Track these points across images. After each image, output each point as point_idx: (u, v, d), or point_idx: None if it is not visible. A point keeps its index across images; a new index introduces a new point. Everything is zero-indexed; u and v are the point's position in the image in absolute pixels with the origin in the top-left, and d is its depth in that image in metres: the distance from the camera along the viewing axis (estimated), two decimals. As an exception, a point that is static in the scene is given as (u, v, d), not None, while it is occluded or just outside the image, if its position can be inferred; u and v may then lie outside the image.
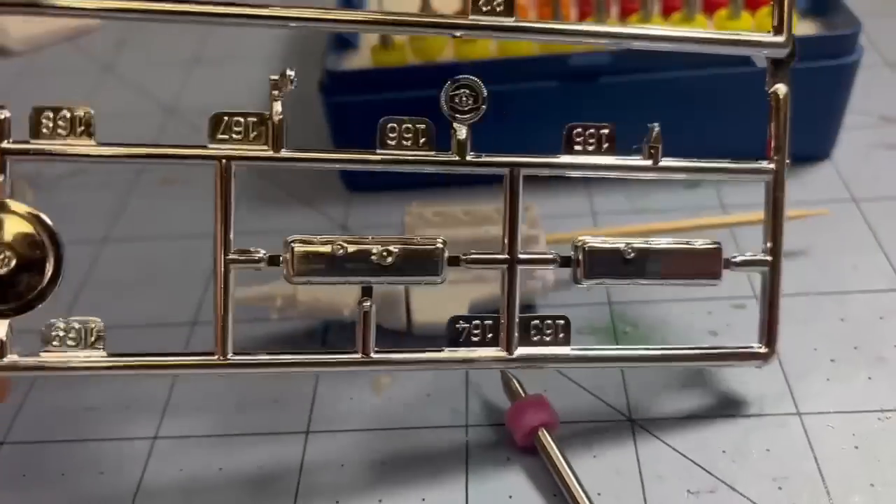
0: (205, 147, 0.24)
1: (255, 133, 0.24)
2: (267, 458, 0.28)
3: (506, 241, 0.26)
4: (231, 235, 0.24)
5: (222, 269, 0.24)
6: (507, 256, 0.26)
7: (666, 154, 0.26)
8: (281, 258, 0.25)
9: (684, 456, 0.27)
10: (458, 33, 0.25)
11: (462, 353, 0.26)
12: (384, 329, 0.31)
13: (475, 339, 0.26)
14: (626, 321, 0.33)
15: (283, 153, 0.25)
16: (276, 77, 0.24)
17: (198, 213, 0.38)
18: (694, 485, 0.26)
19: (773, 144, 0.27)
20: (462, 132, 0.25)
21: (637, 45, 0.27)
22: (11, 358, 0.23)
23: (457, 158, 0.25)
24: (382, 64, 0.39)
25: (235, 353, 0.25)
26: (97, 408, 0.30)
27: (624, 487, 0.26)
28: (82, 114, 0.24)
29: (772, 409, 0.28)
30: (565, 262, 0.26)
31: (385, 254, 0.25)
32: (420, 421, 0.29)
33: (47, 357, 0.24)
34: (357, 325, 0.25)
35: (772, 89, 0.27)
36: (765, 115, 0.27)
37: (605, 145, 0.26)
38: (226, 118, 0.24)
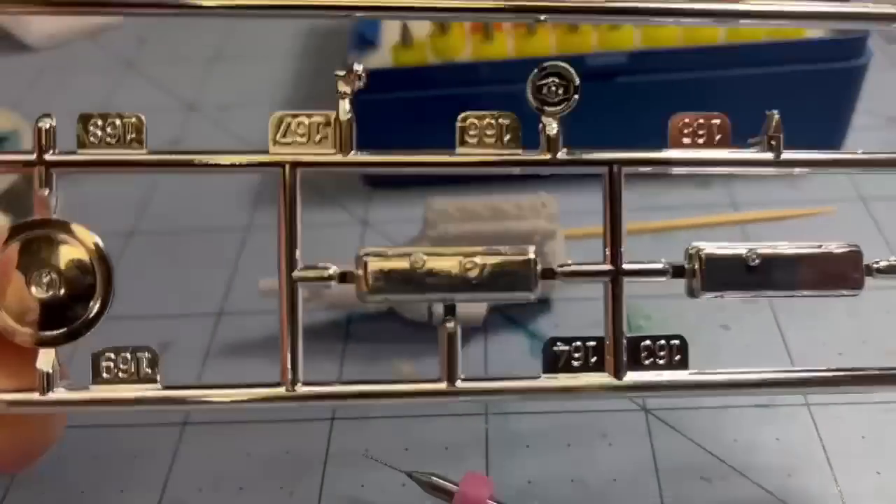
0: (266, 153, 0.22)
1: (320, 136, 0.22)
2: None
3: (608, 251, 0.22)
4: (298, 252, 0.22)
5: (287, 288, 0.22)
6: (611, 267, 0.22)
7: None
8: (352, 274, 0.22)
9: (698, 445, 0.28)
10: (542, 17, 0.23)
11: (562, 380, 0.22)
12: (404, 319, 0.32)
13: (576, 363, 0.22)
14: (640, 314, 0.33)
15: (353, 156, 0.22)
16: (342, 72, 0.22)
17: (219, 205, 0.40)
18: (707, 472, 0.27)
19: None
20: (552, 127, 0.22)
21: (745, 22, 0.24)
22: (59, 392, 0.21)
23: (548, 157, 0.22)
24: (403, 63, 0.39)
25: (305, 384, 0.22)
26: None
27: (638, 474, 0.27)
28: (133, 121, 0.21)
29: (782, 401, 0.29)
30: (678, 272, 0.23)
31: (469, 266, 0.22)
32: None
33: (97, 391, 0.21)
34: (440, 349, 0.22)
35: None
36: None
37: (718, 137, 0.23)
38: (288, 119, 0.22)
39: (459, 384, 0.22)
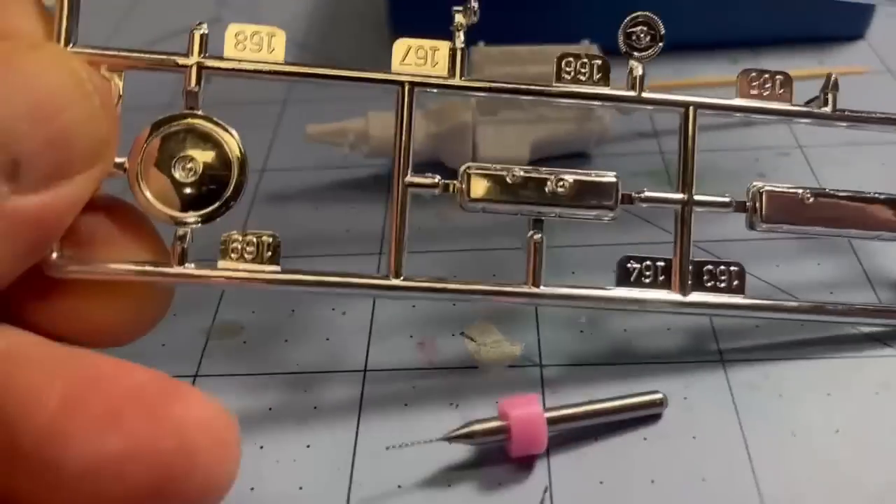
0: (388, 71, 0.25)
1: (436, 61, 0.25)
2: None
3: (680, 182, 0.25)
4: (410, 160, 0.24)
5: (400, 192, 0.24)
6: (683, 196, 0.25)
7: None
8: (454, 185, 0.25)
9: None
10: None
11: (635, 292, 0.25)
12: (450, 168, 0.33)
13: (646, 280, 0.25)
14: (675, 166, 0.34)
15: (460, 81, 0.25)
16: (460, 8, 0.25)
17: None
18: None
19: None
20: (639, 69, 0.25)
21: None
22: (190, 266, 0.24)
23: (634, 94, 0.25)
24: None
25: (406, 278, 0.24)
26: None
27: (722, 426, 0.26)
28: (276, 36, 0.24)
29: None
30: (740, 206, 0.26)
31: (560, 183, 0.24)
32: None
33: (226, 268, 0.24)
34: (527, 256, 0.25)
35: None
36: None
37: (781, 90, 0.26)
38: (408, 46, 0.25)
39: (542, 289, 0.25)
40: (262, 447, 0.25)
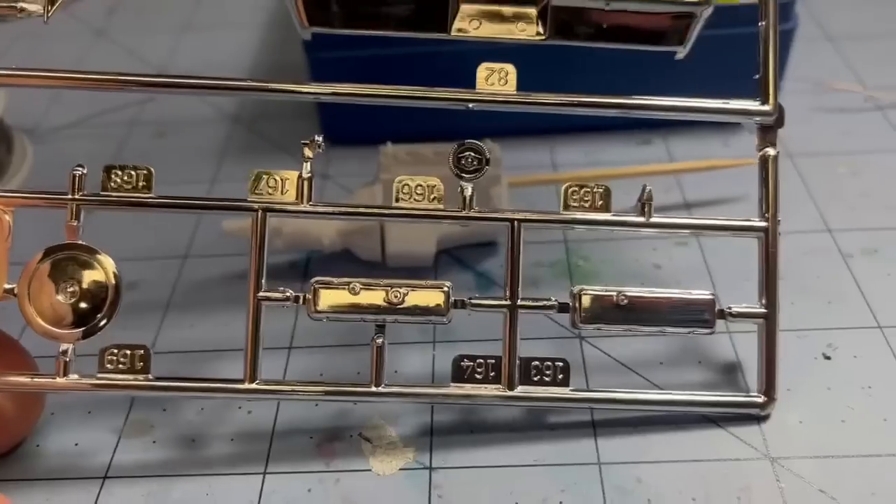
0: (244, 200, 0.28)
1: (286, 189, 0.28)
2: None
3: (507, 288, 0.28)
4: (263, 278, 0.28)
5: (254, 305, 0.28)
6: (508, 302, 0.28)
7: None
8: (304, 297, 0.28)
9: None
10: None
11: (467, 388, 0.28)
12: (360, 260, 0.36)
13: (479, 376, 0.28)
14: (579, 255, 0.37)
15: (307, 206, 0.28)
16: (307, 141, 0.28)
17: (187, 161, 0.44)
18: None
19: (764, 203, 0.29)
20: (468, 189, 0.28)
21: (636, 114, 0.30)
22: (73, 377, 0.27)
23: (464, 213, 0.28)
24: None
25: (263, 381, 0.28)
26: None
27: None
28: (144, 172, 0.28)
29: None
30: (563, 307, 0.29)
31: (395, 296, 0.28)
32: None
33: (103, 378, 0.27)
34: (371, 357, 0.28)
35: (761, 153, 0.30)
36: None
37: (600, 203, 0.29)
38: (264, 176, 0.28)
39: (382, 388, 0.28)
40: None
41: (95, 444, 0.31)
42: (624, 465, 0.29)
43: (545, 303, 0.29)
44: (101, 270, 0.28)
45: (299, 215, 0.28)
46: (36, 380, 0.27)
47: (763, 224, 0.29)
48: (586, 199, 0.29)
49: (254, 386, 0.28)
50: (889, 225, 0.37)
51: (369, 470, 0.29)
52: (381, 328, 0.28)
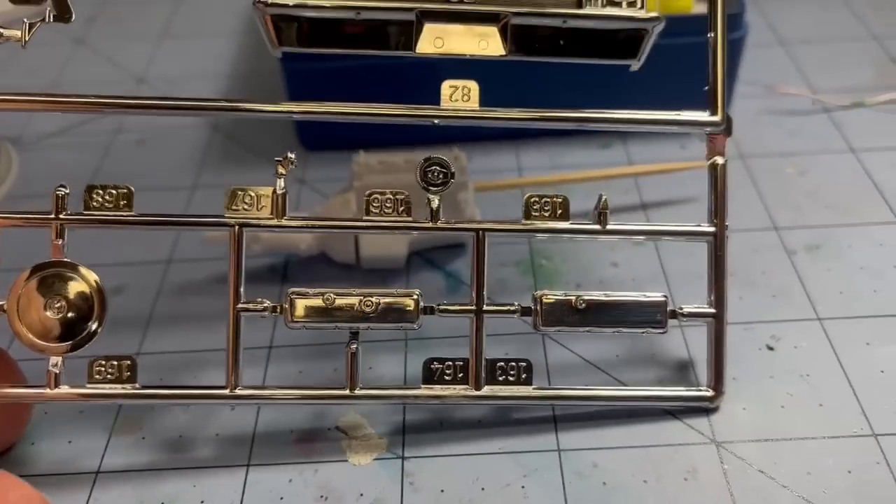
0: (221, 216, 0.30)
1: (262, 205, 0.30)
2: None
3: (473, 293, 0.30)
4: (242, 289, 0.30)
5: (234, 316, 0.29)
6: (474, 307, 0.30)
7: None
8: (281, 307, 0.30)
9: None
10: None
11: (436, 390, 0.30)
12: (336, 263, 0.38)
13: (448, 377, 0.30)
14: (542, 255, 0.39)
15: (282, 221, 0.30)
16: (280, 158, 0.30)
17: (167, 168, 0.45)
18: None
19: (713, 209, 0.31)
20: (435, 201, 0.30)
21: (594, 126, 0.31)
22: (64, 388, 0.29)
23: (431, 224, 0.30)
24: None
25: (244, 387, 0.30)
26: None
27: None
28: (125, 191, 0.29)
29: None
30: (525, 311, 0.30)
31: (366, 305, 0.29)
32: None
33: (92, 388, 0.29)
34: (346, 363, 0.30)
35: (710, 161, 0.32)
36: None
37: (559, 212, 0.31)
38: (240, 192, 0.30)
39: (357, 392, 0.30)
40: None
41: (88, 441, 0.32)
42: (581, 451, 0.31)
43: (509, 307, 0.30)
44: (87, 286, 0.29)
45: (275, 230, 0.30)
46: (27, 391, 0.29)
47: (712, 229, 0.31)
48: (546, 208, 0.31)
49: (236, 392, 0.29)
50: (830, 222, 0.40)
51: (346, 461, 0.31)
52: (355, 335, 0.30)
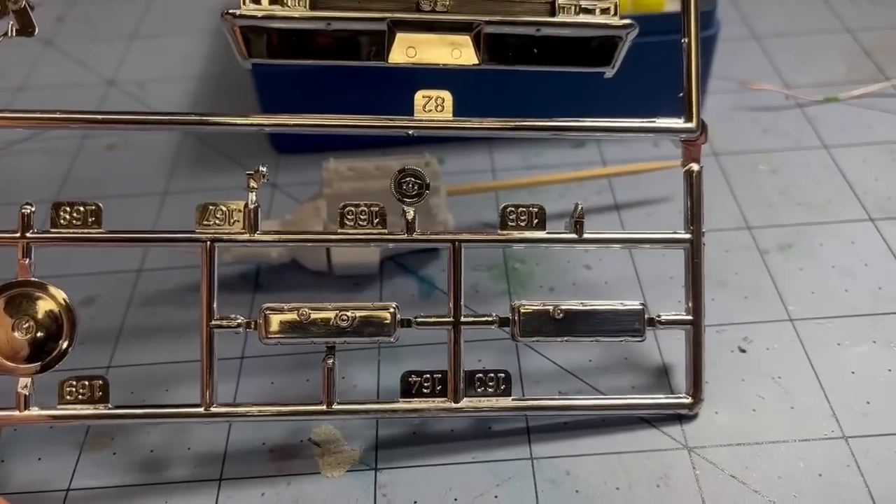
0: (193, 232, 0.29)
1: (234, 220, 0.29)
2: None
3: (451, 304, 0.30)
4: (215, 305, 0.29)
5: (206, 333, 0.29)
6: (452, 319, 0.30)
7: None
8: (255, 323, 0.29)
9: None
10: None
11: (415, 403, 0.30)
12: (307, 269, 0.37)
13: (426, 390, 0.30)
14: (515, 258, 0.39)
15: (254, 235, 0.29)
16: (251, 172, 0.29)
17: (138, 173, 0.44)
18: None
19: (689, 216, 0.31)
20: (410, 213, 0.30)
21: (567, 135, 0.31)
22: (34, 410, 0.28)
23: (407, 236, 0.30)
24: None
25: (219, 405, 0.29)
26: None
27: None
28: (93, 208, 0.29)
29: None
30: (503, 322, 0.30)
31: (342, 319, 0.29)
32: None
33: (62, 409, 0.28)
34: (322, 378, 0.29)
35: (686, 168, 0.32)
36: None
37: (536, 221, 0.31)
38: (210, 207, 0.29)
39: (335, 407, 0.29)
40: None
41: (58, 457, 0.32)
42: (555, 458, 0.31)
43: (487, 318, 0.30)
44: (55, 304, 0.28)
45: (247, 244, 0.29)
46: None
47: (688, 236, 0.31)
48: (523, 217, 0.30)
49: (211, 410, 0.29)
50: (803, 221, 0.40)
51: (318, 473, 0.31)
52: (331, 349, 0.30)
